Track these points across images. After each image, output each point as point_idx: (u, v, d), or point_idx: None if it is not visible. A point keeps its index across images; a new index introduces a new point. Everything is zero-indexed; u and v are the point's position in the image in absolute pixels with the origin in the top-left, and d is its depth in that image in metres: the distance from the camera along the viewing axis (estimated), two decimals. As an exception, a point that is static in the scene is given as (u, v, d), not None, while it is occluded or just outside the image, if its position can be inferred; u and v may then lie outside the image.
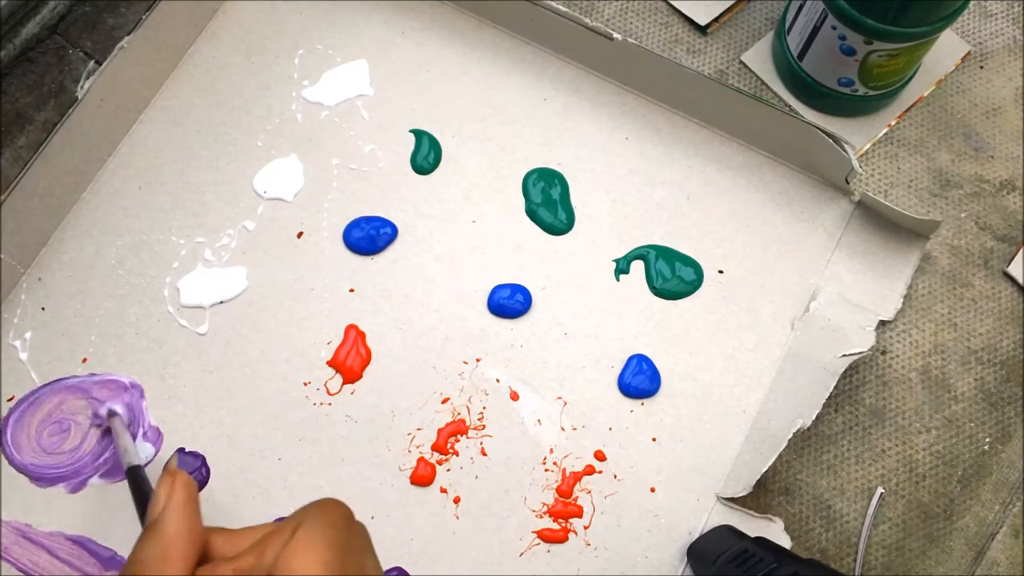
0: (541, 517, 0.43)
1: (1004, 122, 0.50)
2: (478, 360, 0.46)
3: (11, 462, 0.43)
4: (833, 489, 0.44)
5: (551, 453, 0.44)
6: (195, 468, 0.44)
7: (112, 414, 0.43)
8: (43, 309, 0.46)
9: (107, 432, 0.43)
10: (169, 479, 0.25)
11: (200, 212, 0.48)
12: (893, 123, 0.50)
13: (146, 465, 0.44)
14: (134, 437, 0.44)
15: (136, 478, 0.36)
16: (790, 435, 0.41)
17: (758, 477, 0.41)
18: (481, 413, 0.45)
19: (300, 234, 0.48)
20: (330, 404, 0.45)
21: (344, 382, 0.45)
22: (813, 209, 0.48)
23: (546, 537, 0.43)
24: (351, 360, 0.45)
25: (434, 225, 0.48)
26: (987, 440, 0.45)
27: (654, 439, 0.45)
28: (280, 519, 0.27)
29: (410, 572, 0.42)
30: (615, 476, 0.44)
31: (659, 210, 0.48)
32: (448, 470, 0.44)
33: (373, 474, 0.44)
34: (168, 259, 0.47)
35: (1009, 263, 0.48)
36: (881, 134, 0.50)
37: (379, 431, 0.45)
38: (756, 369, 0.46)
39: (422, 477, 0.44)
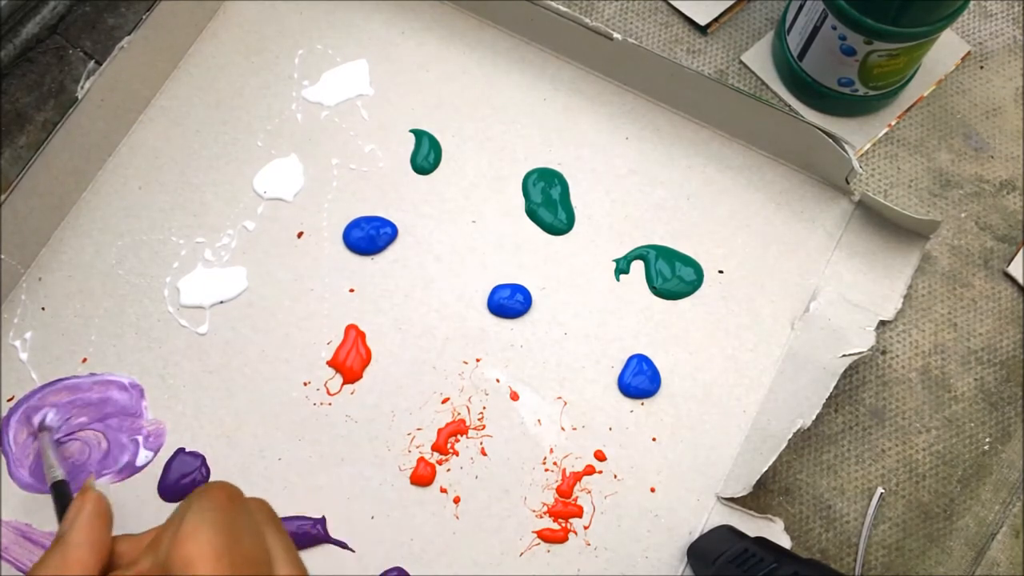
0: (541, 517, 0.43)
1: (1004, 122, 0.50)
2: (478, 360, 0.46)
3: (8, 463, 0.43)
4: (833, 489, 0.44)
5: (551, 453, 0.44)
6: (195, 468, 0.44)
7: (43, 428, 0.42)
8: (43, 309, 0.46)
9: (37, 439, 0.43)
10: (80, 496, 0.26)
11: (200, 212, 0.48)
12: (893, 123, 0.50)
13: (146, 465, 0.44)
14: (135, 438, 0.44)
15: (60, 493, 0.36)
16: (790, 435, 0.41)
17: (758, 477, 0.41)
18: (481, 413, 0.45)
19: (300, 234, 0.48)
20: (330, 404, 0.45)
21: (344, 382, 0.45)
22: (813, 209, 0.48)
23: (546, 537, 0.43)
24: (351, 360, 0.45)
25: (434, 225, 0.48)
26: (987, 440, 0.45)
27: (654, 439, 0.45)
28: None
29: (410, 572, 0.42)
30: (615, 476, 0.44)
31: (659, 210, 0.48)
32: (448, 470, 0.44)
33: (373, 474, 0.44)
34: (168, 259, 0.47)
35: (1009, 263, 0.48)
36: (881, 134, 0.50)
37: (379, 431, 0.45)
38: (756, 369, 0.46)
39: (422, 477, 0.44)
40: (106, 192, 0.48)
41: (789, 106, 0.50)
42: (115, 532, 0.42)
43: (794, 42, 0.48)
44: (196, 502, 0.24)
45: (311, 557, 0.42)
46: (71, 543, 0.24)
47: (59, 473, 0.38)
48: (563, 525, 0.43)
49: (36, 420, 0.43)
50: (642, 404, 0.45)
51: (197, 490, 0.25)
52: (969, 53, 0.52)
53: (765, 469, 0.41)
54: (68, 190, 0.47)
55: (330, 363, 0.45)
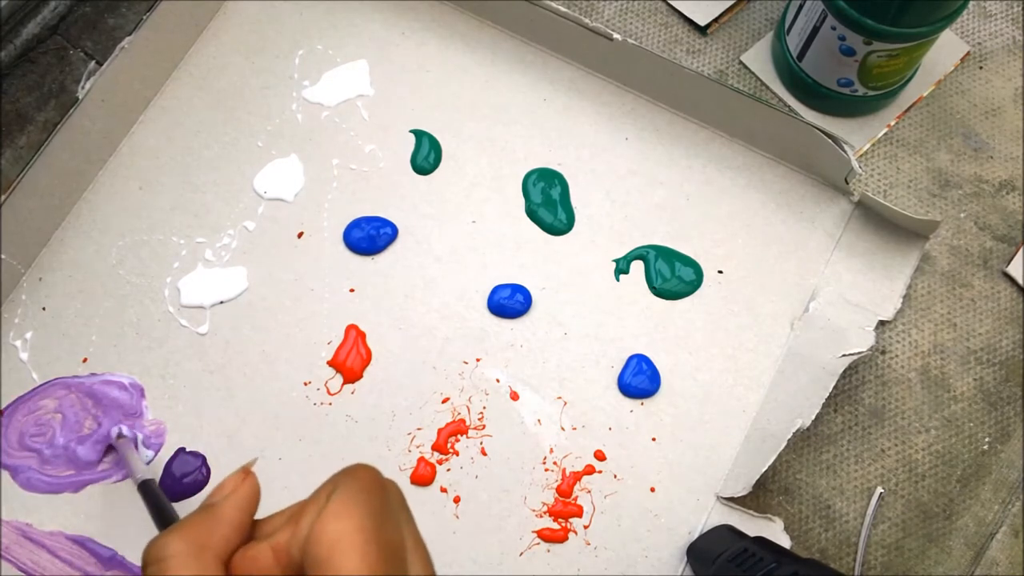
0: (541, 517, 0.43)
1: (1003, 122, 0.50)
2: (478, 360, 0.46)
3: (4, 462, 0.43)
4: (833, 489, 0.44)
5: (551, 453, 0.44)
6: (195, 468, 0.44)
7: (120, 436, 0.43)
8: (44, 309, 0.46)
9: (110, 448, 0.44)
10: (242, 475, 0.25)
11: (200, 212, 0.48)
12: (893, 123, 0.50)
13: (147, 465, 0.44)
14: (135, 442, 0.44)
15: (149, 492, 0.36)
16: (790, 435, 0.41)
17: (758, 477, 0.41)
18: (481, 413, 0.45)
19: (300, 234, 0.48)
20: (330, 404, 0.45)
21: (344, 382, 0.45)
22: (813, 209, 0.48)
23: (546, 537, 0.43)
24: (351, 360, 0.45)
25: (434, 225, 0.48)
26: (986, 440, 0.45)
27: (654, 439, 0.45)
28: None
29: (410, 572, 0.42)
30: (615, 476, 0.44)
31: (659, 210, 0.48)
32: (448, 470, 0.44)
33: (373, 474, 0.44)
34: (168, 259, 0.47)
35: (1008, 263, 0.48)
36: (881, 134, 0.50)
37: (379, 431, 0.45)
38: (756, 369, 0.46)
39: (422, 477, 0.44)
40: (107, 192, 0.48)
41: (789, 106, 0.50)
42: (115, 534, 0.43)
43: (794, 42, 0.48)
44: (344, 482, 0.23)
45: (311, 557, 0.42)
46: (221, 517, 0.24)
47: (146, 473, 0.38)
48: (563, 525, 0.43)
49: (113, 432, 0.43)
50: (642, 404, 0.45)
51: (344, 469, 0.24)
52: (968, 53, 0.52)
53: (765, 469, 0.41)
54: (69, 190, 0.48)
55: (330, 363, 0.45)
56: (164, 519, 0.35)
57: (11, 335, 0.46)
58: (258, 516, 0.26)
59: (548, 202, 0.48)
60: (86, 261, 0.47)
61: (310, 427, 0.45)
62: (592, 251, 0.48)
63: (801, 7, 0.46)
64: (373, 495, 0.23)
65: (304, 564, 0.22)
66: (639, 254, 0.48)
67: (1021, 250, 0.48)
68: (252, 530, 0.25)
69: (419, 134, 0.50)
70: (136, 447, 0.43)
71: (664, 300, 0.47)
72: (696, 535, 0.43)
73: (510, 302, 0.46)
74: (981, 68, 0.51)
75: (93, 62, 0.50)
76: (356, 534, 0.22)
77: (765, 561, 0.37)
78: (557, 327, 0.46)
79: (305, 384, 0.45)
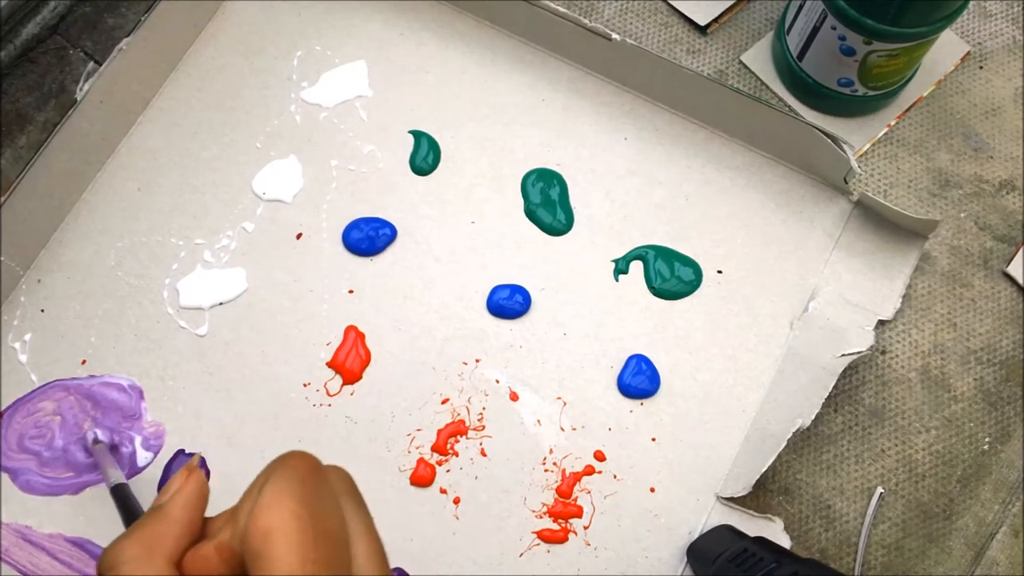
0: (541, 517, 0.43)
1: (1003, 122, 0.50)
2: (477, 361, 0.46)
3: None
4: (833, 489, 0.44)
5: (551, 453, 0.44)
6: (195, 469, 0.44)
7: (97, 442, 0.43)
8: (42, 311, 0.46)
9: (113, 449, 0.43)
10: (186, 472, 0.25)
11: (199, 213, 0.48)
12: (893, 123, 0.50)
13: (146, 466, 0.44)
14: (119, 449, 0.44)
15: (121, 496, 0.36)
16: (789, 435, 0.41)
17: (758, 477, 0.41)
18: (481, 414, 0.45)
19: (299, 235, 0.48)
20: (330, 405, 0.45)
21: (344, 383, 0.45)
22: (812, 209, 0.48)
23: (546, 537, 0.43)
24: (350, 361, 0.45)
25: (433, 226, 0.48)
26: (987, 440, 0.45)
27: (654, 439, 0.45)
28: None
29: (410, 572, 0.42)
30: (615, 476, 0.44)
31: (658, 210, 0.48)
32: (448, 471, 0.44)
33: (373, 475, 0.44)
34: (167, 260, 0.47)
35: (1009, 263, 0.48)
36: (880, 134, 0.50)
37: (379, 432, 0.45)
38: (756, 369, 0.46)
39: (422, 478, 0.44)
40: (105, 194, 0.48)
41: (789, 106, 0.50)
42: (114, 536, 0.43)
43: (794, 42, 0.48)
44: (277, 471, 0.23)
45: (311, 558, 0.42)
46: (170, 517, 0.24)
47: (118, 478, 0.38)
48: (563, 525, 0.43)
49: (89, 438, 0.43)
50: (642, 404, 0.45)
51: (277, 458, 0.24)
52: (968, 53, 0.51)
53: (765, 469, 0.41)
54: (67, 192, 0.47)
55: (329, 364, 0.45)
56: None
57: (10, 337, 0.46)
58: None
59: (547, 202, 0.48)
60: (85, 263, 0.47)
61: (309, 428, 0.44)
62: (591, 251, 0.48)
63: (801, 7, 0.46)
64: (307, 483, 0.23)
65: (244, 558, 0.22)
66: (638, 254, 0.48)
67: (1021, 250, 0.48)
68: (204, 528, 0.25)
69: (418, 135, 0.49)
70: (119, 451, 0.43)
71: (663, 300, 0.47)
72: (696, 535, 0.43)
73: (509, 302, 0.46)
74: (981, 68, 0.51)
75: (92, 62, 0.50)
76: (290, 523, 0.21)
77: (765, 561, 0.37)
78: (556, 327, 0.46)
79: (304, 385, 0.45)
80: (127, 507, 0.36)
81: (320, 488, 0.24)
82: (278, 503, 0.22)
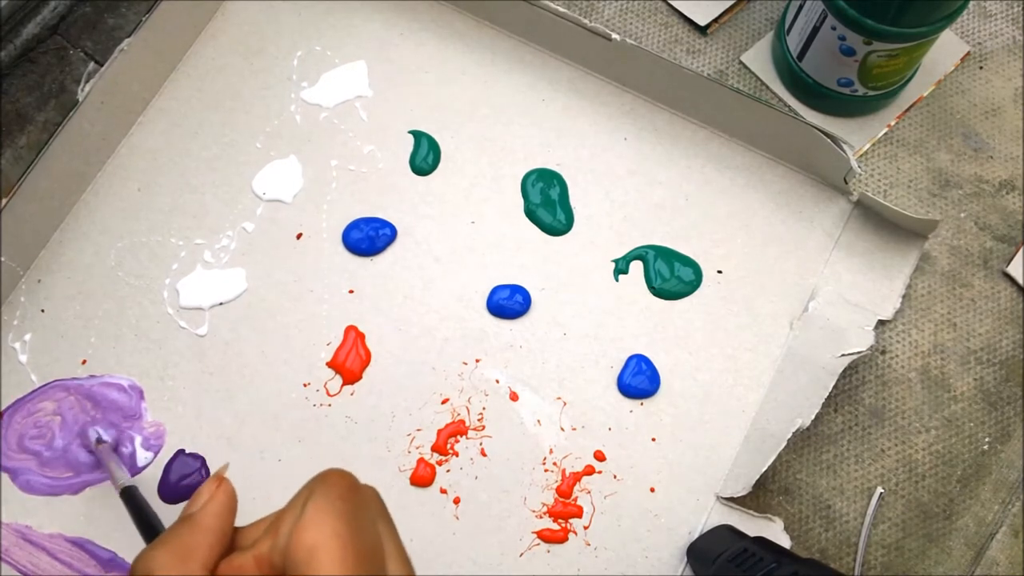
0: (541, 517, 0.43)
1: (1003, 122, 0.50)
2: (477, 361, 0.46)
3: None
4: (833, 489, 0.44)
5: (551, 453, 0.44)
6: (195, 469, 0.44)
7: (100, 441, 0.43)
8: (42, 311, 0.46)
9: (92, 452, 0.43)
10: (216, 481, 0.26)
11: (199, 214, 0.48)
12: (892, 123, 0.50)
13: (146, 467, 0.44)
14: (118, 447, 0.44)
15: (131, 498, 0.36)
16: (789, 435, 0.41)
17: (758, 477, 0.41)
18: (481, 414, 0.45)
19: (299, 235, 0.48)
20: (330, 405, 0.45)
21: (344, 383, 0.45)
22: (812, 209, 0.48)
23: (546, 537, 0.43)
24: (351, 361, 0.45)
25: (433, 226, 0.48)
26: (986, 440, 0.45)
27: (654, 439, 0.45)
28: None
29: (410, 573, 0.42)
30: (615, 476, 0.44)
31: (658, 210, 0.48)
32: (448, 471, 0.44)
33: (373, 475, 0.44)
34: (167, 261, 0.47)
35: (1008, 263, 0.48)
36: (880, 134, 0.50)
37: (379, 432, 0.45)
38: (755, 369, 0.46)
39: (422, 478, 0.44)
40: (105, 194, 0.48)
41: (788, 106, 0.50)
42: (114, 536, 0.43)
43: (794, 42, 0.48)
44: (318, 489, 0.24)
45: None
46: (202, 526, 0.24)
47: (125, 479, 0.38)
48: (563, 525, 0.43)
49: (92, 437, 0.43)
50: (642, 404, 0.45)
51: (318, 476, 0.25)
52: (968, 53, 0.51)
53: (765, 469, 0.41)
54: (67, 192, 0.48)
55: (330, 364, 0.45)
56: (145, 525, 0.35)
57: (10, 337, 0.46)
58: (257, 517, 0.26)
59: (547, 202, 0.48)
60: (85, 263, 0.47)
61: (309, 428, 0.44)
62: (591, 251, 0.48)
63: (801, 7, 0.46)
64: (348, 501, 0.24)
65: (285, 572, 0.23)
66: (638, 254, 0.48)
67: (1021, 250, 0.48)
68: (234, 537, 0.25)
69: (418, 135, 0.49)
70: (118, 451, 0.43)
71: (663, 300, 0.47)
72: (696, 535, 0.43)
73: (509, 303, 0.46)
74: (981, 68, 0.51)
75: (93, 62, 0.50)
76: (333, 540, 0.22)
77: (765, 561, 0.37)
78: (556, 327, 0.46)
79: (304, 385, 0.45)
80: (139, 510, 0.36)
81: (360, 508, 0.24)
82: (321, 521, 0.23)
